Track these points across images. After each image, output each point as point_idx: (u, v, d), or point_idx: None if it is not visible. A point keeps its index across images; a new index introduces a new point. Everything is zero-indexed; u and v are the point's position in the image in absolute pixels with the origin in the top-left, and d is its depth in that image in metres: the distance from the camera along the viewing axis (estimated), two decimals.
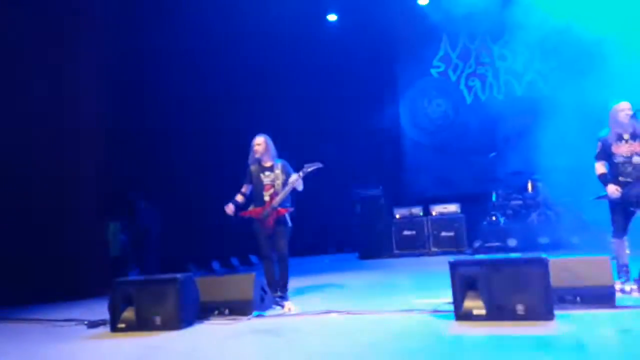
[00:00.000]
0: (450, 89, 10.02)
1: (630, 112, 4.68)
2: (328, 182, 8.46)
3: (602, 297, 4.00)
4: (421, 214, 9.22)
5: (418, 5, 9.65)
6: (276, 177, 5.15)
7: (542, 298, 3.77)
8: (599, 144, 4.83)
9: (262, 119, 7.98)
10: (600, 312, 3.88)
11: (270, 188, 5.15)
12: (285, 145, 5.60)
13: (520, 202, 8.60)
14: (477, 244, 8.53)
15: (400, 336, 3.73)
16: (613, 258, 4.87)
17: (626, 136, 4.70)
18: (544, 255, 3.87)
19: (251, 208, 5.24)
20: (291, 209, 5.24)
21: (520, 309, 3.80)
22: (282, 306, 4.92)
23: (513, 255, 4.16)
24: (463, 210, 8.98)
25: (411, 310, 4.44)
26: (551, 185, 8.09)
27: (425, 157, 9.95)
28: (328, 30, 10.26)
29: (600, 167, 4.83)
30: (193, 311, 4.57)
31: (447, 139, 9.94)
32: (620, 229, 4.77)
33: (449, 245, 8.94)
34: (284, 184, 5.15)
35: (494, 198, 8.78)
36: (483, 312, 3.91)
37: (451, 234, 8.96)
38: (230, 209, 5.24)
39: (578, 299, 4.06)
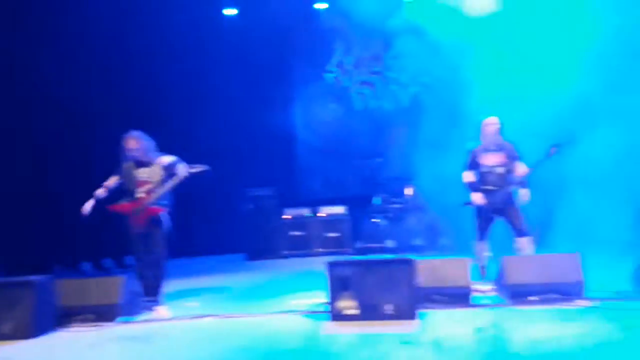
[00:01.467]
0: (342, 95, 10.27)
1: (497, 126, 5.12)
2: (217, 181, 8.22)
3: (460, 297, 4.32)
4: (309, 214, 9.35)
5: (315, 8, 9.76)
6: (153, 174, 4.85)
7: (408, 298, 3.97)
8: (469, 154, 5.24)
9: (151, 116, 7.57)
10: (458, 311, 4.18)
11: (144, 184, 4.84)
12: (176, 142, 5.31)
13: (399, 205, 9.06)
14: (358, 245, 8.85)
15: (273, 338, 3.71)
16: (476, 260, 5.31)
17: (492, 148, 5.13)
18: (411, 257, 4.06)
19: (121, 203, 4.88)
20: (166, 209, 4.96)
21: (389, 308, 3.97)
22: (154, 311, 4.66)
23: (386, 256, 4.32)
24: (348, 212, 9.25)
25: (288, 312, 4.45)
26: (428, 191, 8.61)
27: (316, 159, 10.07)
28: (223, 25, 10.01)
29: (469, 176, 5.22)
30: (51, 317, 4.17)
31: (337, 143, 10.14)
32: (483, 233, 5.21)
33: (334, 246, 9.15)
34: (163, 180, 4.88)
35: (376, 201, 9.15)
36: (356, 312, 4.03)
37: (337, 234, 9.19)
38: (86, 208, 4.83)
39: (441, 298, 4.34)
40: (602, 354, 3.05)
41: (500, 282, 4.52)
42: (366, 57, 10.13)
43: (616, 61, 7.21)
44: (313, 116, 10.29)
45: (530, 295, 4.19)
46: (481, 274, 5.17)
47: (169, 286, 5.13)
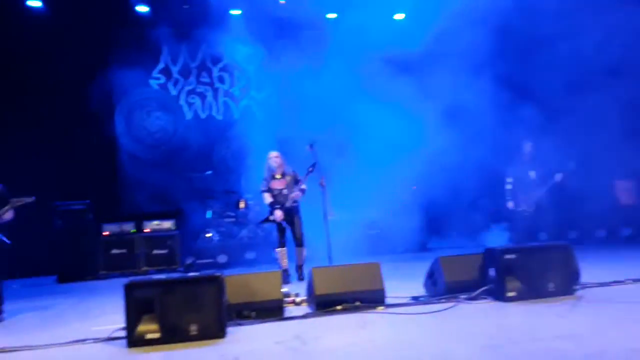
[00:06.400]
0: (170, 103, 9.78)
1: (279, 159, 6.39)
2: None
3: (272, 310, 4.30)
4: (133, 230, 8.68)
5: (137, 11, 9.14)
6: None
7: (215, 316, 3.82)
8: (264, 181, 6.46)
9: None
10: (269, 325, 4.14)
11: None
12: None
13: (232, 219, 8.92)
14: (189, 261, 8.48)
15: None
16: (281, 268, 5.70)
17: (278, 176, 6.42)
18: (218, 273, 3.93)
19: None
20: None
21: (193, 329, 3.77)
22: None
23: (191, 274, 4.12)
24: (178, 227, 8.81)
25: (84, 340, 3.98)
26: (260, 205, 8.60)
27: (141, 171, 9.36)
28: (32, 21, 8.86)
29: (267, 198, 6.45)
30: None
31: (165, 153, 9.63)
32: (281, 241, 6.37)
33: (162, 263, 8.62)
34: None
35: (208, 215, 8.88)
36: (157, 335, 3.75)
37: (164, 251, 8.67)
38: None
39: (253, 313, 4.28)
40: (392, 355, 3.24)
41: (309, 293, 4.62)
42: (194, 67, 9.81)
43: None
44: (137, 124, 9.64)
45: (336, 304, 4.34)
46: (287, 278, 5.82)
47: None
